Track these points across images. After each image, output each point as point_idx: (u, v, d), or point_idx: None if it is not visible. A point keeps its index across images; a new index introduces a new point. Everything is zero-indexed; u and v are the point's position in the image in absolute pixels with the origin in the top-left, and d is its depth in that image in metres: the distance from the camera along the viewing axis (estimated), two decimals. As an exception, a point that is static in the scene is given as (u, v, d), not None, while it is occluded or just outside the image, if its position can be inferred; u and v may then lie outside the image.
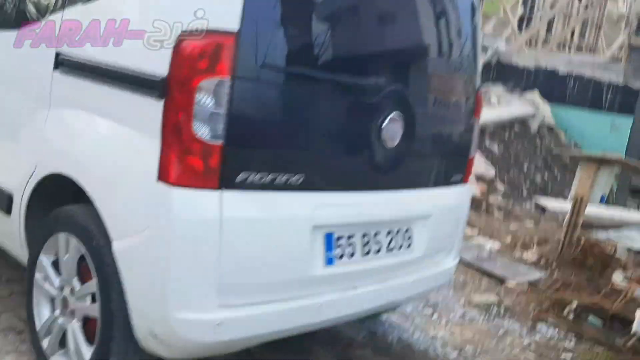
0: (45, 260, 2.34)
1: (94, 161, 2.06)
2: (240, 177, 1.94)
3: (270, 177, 2.01)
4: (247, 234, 1.97)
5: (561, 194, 10.35)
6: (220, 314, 1.94)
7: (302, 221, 2.12)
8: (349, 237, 2.31)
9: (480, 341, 3.48)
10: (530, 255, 4.95)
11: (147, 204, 1.90)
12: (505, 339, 3.57)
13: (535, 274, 4.57)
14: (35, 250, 2.38)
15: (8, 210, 2.50)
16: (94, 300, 2.12)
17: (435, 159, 2.74)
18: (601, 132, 11.22)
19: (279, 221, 2.06)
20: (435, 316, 3.68)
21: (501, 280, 4.42)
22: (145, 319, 1.94)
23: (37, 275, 2.37)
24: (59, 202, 2.34)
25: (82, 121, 2.15)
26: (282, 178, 2.05)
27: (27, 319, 2.47)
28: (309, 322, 2.24)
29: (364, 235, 2.37)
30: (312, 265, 2.17)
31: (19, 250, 2.56)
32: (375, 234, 2.42)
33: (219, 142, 1.87)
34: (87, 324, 2.18)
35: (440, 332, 3.50)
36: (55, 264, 2.32)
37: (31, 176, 2.33)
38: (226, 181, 1.91)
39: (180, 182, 1.86)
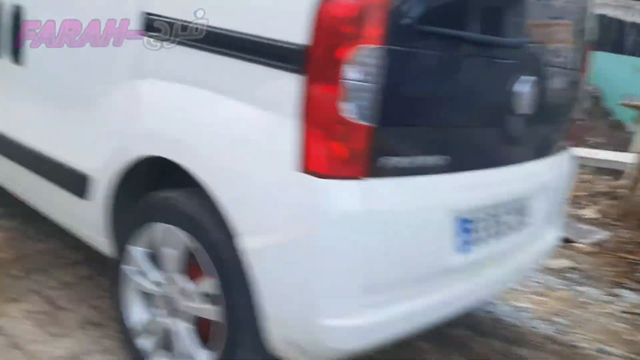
0: (137, 252, 2.08)
1: (211, 146, 1.75)
2: (387, 163, 1.68)
3: (416, 160, 1.75)
4: (394, 226, 1.72)
5: (581, 140, 10.15)
6: (368, 318, 1.71)
7: (443, 208, 1.87)
8: (480, 221, 2.07)
9: (567, 311, 3.30)
10: (589, 212, 4.75)
11: (285, 196, 1.62)
12: (591, 308, 3.40)
13: (601, 234, 4.38)
14: (123, 240, 2.12)
15: (83, 194, 2.22)
16: (209, 300, 1.88)
17: (552, 125, 2.48)
18: (622, 75, 10.91)
19: (423, 209, 1.81)
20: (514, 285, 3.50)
21: (567, 241, 4.23)
22: (284, 325, 1.70)
23: (127, 268, 2.12)
24: (149, 186, 2.08)
25: (189, 97, 1.83)
26: (427, 160, 1.79)
27: (115, 315, 2.24)
28: (441, 315, 2.02)
29: (492, 217, 2.13)
30: (448, 254, 1.93)
31: (96, 237, 2.30)
32: (501, 214, 2.18)
33: (368, 123, 1.59)
34: (198, 325, 1.95)
35: (524, 302, 3.31)
36: (151, 256, 2.07)
37: (118, 158, 2.05)
38: (374, 168, 1.65)
39: (326, 172, 1.58)
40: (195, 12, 1.79)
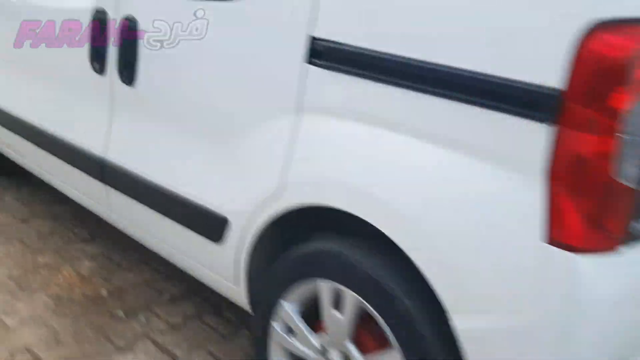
0: (290, 308, 1.79)
1: (414, 202, 1.45)
2: (637, 228, 1.38)
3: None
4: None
5: None
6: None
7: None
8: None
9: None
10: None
11: (524, 272, 1.33)
12: None
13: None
14: (271, 293, 1.84)
15: (217, 238, 1.94)
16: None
17: None
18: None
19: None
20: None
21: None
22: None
23: (276, 325, 1.84)
24: (296, 233, 1.81)
25: (381, 141, 1.51)
26: None
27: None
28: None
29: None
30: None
31: (229, 285, 2.02)
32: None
33: (634, 185, 1.30)
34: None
35: None
36: (307, 315, 1.79)
37: (269, 202, 1.76)
38: (628, 236, 1.35)
39: (581, 245, 1.28)
40: (395, 41, 1.48)
